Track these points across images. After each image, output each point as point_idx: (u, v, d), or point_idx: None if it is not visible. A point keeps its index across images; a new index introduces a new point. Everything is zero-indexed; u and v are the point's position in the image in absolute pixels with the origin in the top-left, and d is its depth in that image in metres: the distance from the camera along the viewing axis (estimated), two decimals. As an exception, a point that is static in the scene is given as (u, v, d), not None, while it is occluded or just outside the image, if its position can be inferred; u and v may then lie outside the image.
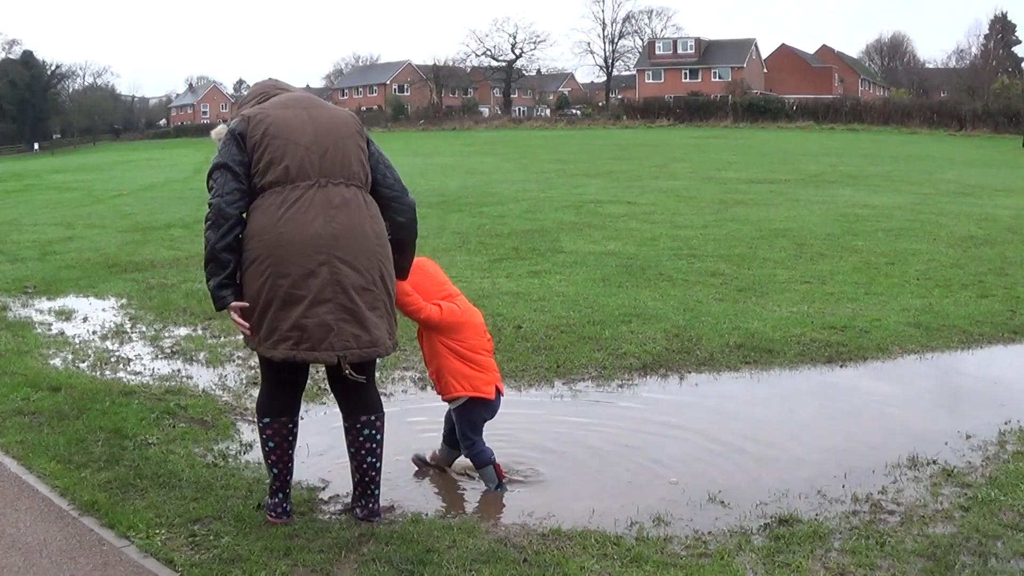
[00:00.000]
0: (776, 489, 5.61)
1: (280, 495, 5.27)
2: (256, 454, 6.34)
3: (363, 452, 5.26)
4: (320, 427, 6.87)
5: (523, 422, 6.87)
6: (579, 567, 4.63)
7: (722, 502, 5.48)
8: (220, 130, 5.31)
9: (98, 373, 8.43)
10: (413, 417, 7.15)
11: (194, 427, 6.91)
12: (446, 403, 5.94)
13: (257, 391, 7.52)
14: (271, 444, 5.21)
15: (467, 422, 5.82)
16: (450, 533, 5.02)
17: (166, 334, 9.94)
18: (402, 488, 5.81)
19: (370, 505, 5.31)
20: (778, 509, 5.33)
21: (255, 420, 5.34)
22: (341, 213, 4.98)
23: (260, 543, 4.96)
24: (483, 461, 5.81)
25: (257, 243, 4.94)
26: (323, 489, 5.78)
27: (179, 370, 8.57)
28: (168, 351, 9.26)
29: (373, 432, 5.27)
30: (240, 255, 4.99)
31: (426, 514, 5.32)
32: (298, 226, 4.89)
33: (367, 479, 5.29)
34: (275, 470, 5.23)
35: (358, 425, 5.24)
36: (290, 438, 5.26)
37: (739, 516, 5.28)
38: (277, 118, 5.07)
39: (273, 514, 5.23)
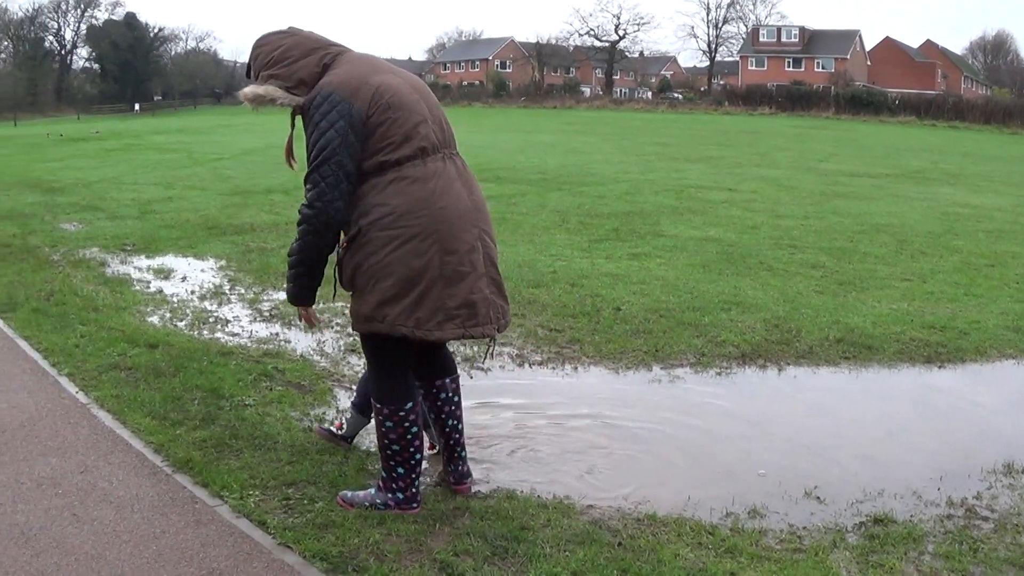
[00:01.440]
0: (871, 488, 5.49)
1: (417, 481, 5.08)
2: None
3: (444, 415, 5.25)
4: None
5: (620, 405, 6.81)
6: (673, 554, 4.57)
7: (817, 497, 5.37)
8: (253, 92, 4.81)
9: (196, 332, 8.54)
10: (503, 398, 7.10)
11: (291, 391, 6.95)
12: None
13: (355, 358, 7.58)
14: (415, 429, 4.97)
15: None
16: (545, 512, 4.99)
17: (264, 297, 10.02)
18: (498, 465, 5.78)
19: (459, 468, 5.32)
20: (873, 508, 5.22)
21: (381, 412, 4.95)
22: (472, 184, 4.94)
23: (354, 510, 4.96)
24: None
25: (415, 220, 4.62)
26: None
27: (277, 333, 8.63)
28: (266, 314, 9.33)
29: (451, 395, 5.26)
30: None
31: (521, 491, 5.27)
32: (453, 200, 4.73)
33: (452, 442, 5.29)
34: (418, 455, 5.03)
35: (434, 389, 5.22)
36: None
37: (834, 513, 5.18)
38: (389, 86, 4.69)
39: (415, 504, 5.04)
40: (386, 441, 4.95)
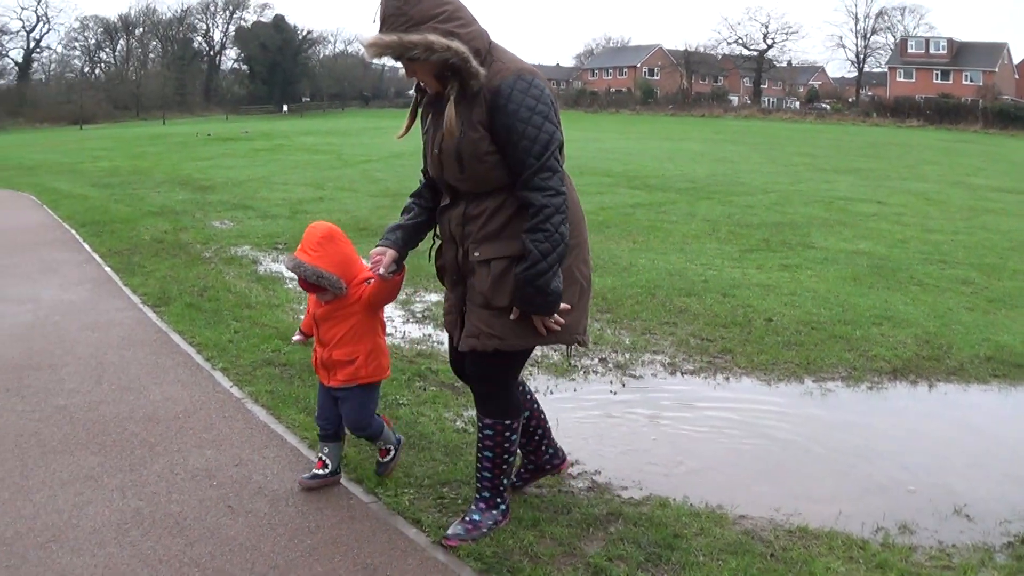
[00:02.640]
0: (1020, 507, 5.33)
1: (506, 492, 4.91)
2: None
3: (536, 406, 5.25)
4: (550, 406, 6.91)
5: (772, 417, 6.75)
6: (825, 567, 4.51)
7: (966, 515, 5.24)
8: (423, 40, 4.06)
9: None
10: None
11: (444, 391, 7.01)
12: (340, 392, 5.21)
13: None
14: (515, 438, 4.77)
15: (373, 401, 5.35)
16: (697, 520, 4.96)
17: (417, 299, 10.13)
18: (650, 473, 5.77)
19: (558, 449, 5.42)
20: (1021, 528, 5.07)
21: (510, 428, 4.69)
22: None
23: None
24: (381, 431, 5.39)
25: (582, 226, 4.52)
26: (571, 465, 5.76)
27: (430, 335, 8.73)
28: (419, 315, 9.45)
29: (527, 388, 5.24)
30: None
31: (673, 499, 5.24)
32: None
33: (542, 431, 5.27)
34: (512, 460, 4.84)
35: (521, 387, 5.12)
36: None
37: (982, 532, 5.05)
38: None
39: (507, 515, 4.89)
40: (506, 455, 4.73)
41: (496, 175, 4.28)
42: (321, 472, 5.34)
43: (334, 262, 4.94)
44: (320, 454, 5.41)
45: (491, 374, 4.61)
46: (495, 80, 4.16)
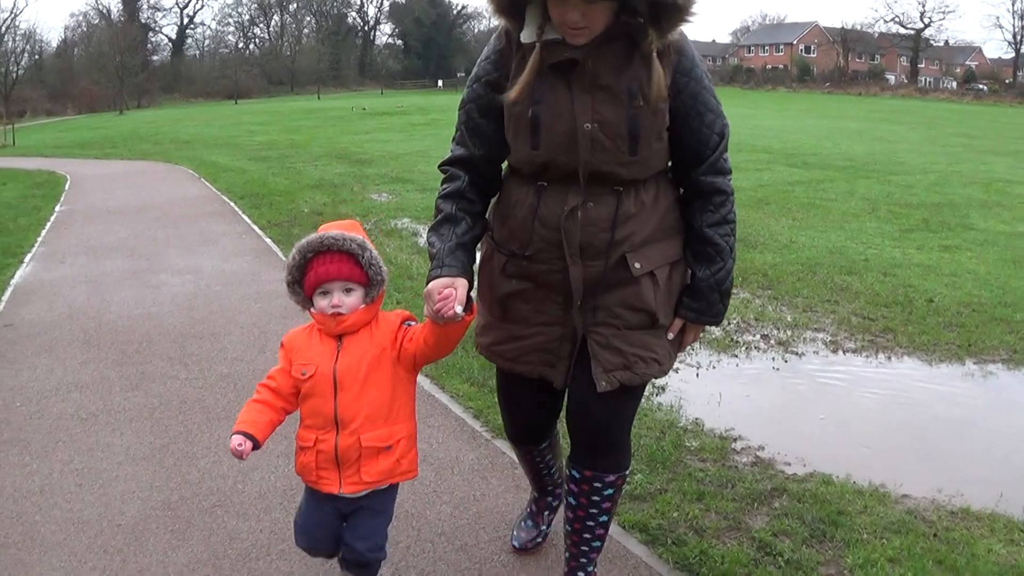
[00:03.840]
0: None
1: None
2: (667, 397, 6.40)
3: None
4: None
5: (932, 398, 6.60)
6: (987, 549, 4.40)
7: None
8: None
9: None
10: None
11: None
12: (363, 500, 3.53)
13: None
14: None
15: (391, 512, 3.70)
16: (861, 498, 4.88)
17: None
18: (814, 449, 5.70)
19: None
20: None
21: (623, 477, 3.67)
22: None
23: (673, 484, 4.97)
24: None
25: None
26: (735, 440, 5.73)
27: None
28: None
29: None
30: None
31: (837, 476, 5.16)
32: None
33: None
34: None
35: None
36: None
37: None
38: None
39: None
40: (614, 510, 3.75)
41: (663, 158, 3.30)
42: None
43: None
44: None
45: (626, 415, 3.59)
46: (676, 37, 3.13)
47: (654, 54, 3.07)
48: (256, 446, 3.32)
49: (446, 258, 3.29)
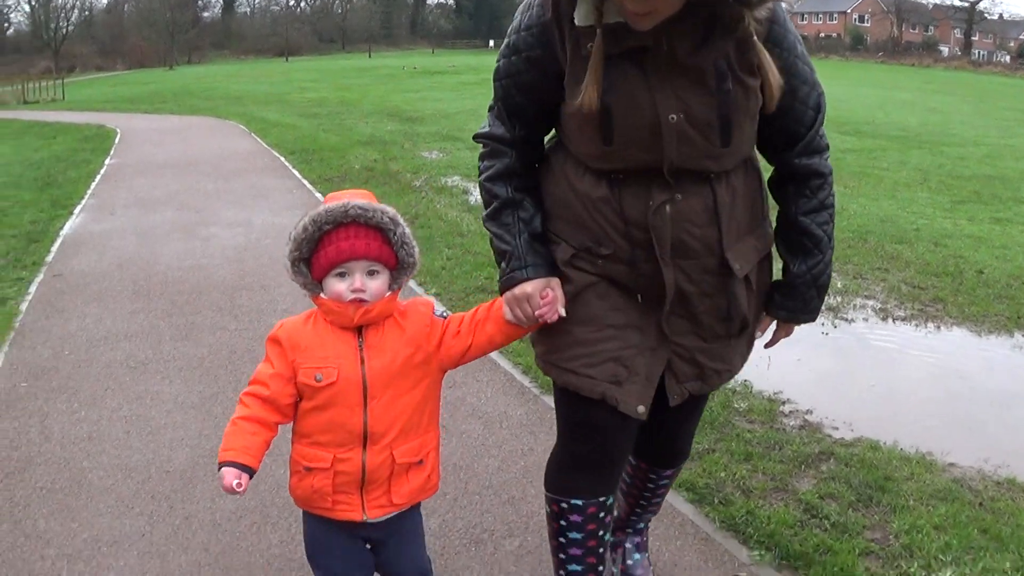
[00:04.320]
0: None
1: None
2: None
3: None
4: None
5: (980, 369, 6.56)
6: (1033, 520, 4.37)
7: None
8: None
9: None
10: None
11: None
12: (396, 523, 2.97)
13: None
14: None
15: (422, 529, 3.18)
16: (908, 465, 4.85)
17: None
18: (861, 415, 5.67)
19: None
20: None
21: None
22: None
23: (721, 444, 4.99)
24: None
25: None
26: (783, 403, 5.71)
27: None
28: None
29: None
30: None
31: (884, 443, 5.14)
32: None
33: None
34: None
35: None
36: None
37: None
38: None
39: None
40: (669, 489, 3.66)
41: (753, 141, 2.80)
42: None
43: None
44: None
45: (692, 426, 3.39)
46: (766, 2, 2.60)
47: (753, 37, 2.59)
48: (251, 476, 2.69)
49: (527, 255, 2.85)
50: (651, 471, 3.39)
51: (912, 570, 3.90)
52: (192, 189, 13.24)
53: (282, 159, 16.23)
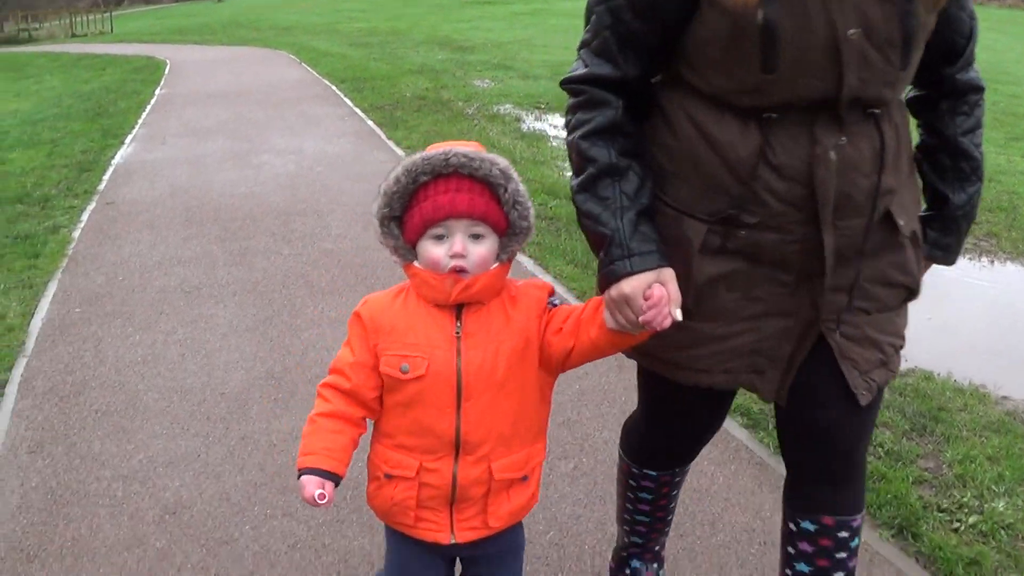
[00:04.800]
0: None
1: None
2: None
3: None
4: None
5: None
6: (1084, 454, 4.34)
7: None
8: None
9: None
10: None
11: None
12: (494, 547, 2.52)
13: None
14: None
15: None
16: (961, 396, 4.85)
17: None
18: (915, 346, 5.63)
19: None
20: None
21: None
22: None
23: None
24: None
25: None
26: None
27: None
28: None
29: None
30: None
31: (938, 374, 5.12)
32: None
33: None
34: None
35: None
36: None
37: None
38: None
39: None
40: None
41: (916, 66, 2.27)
42: None
43: None
44: None
45: (871, 427, 2.58)
46: None
47: None
48: (337, 484, 2.26)
49: (631, 241, 2.21)
50: (840, 527, 2.53)
51: (965, 499, 3.90)
52: (243, 118, 13.23)
53: (333, 88, 16.16)
